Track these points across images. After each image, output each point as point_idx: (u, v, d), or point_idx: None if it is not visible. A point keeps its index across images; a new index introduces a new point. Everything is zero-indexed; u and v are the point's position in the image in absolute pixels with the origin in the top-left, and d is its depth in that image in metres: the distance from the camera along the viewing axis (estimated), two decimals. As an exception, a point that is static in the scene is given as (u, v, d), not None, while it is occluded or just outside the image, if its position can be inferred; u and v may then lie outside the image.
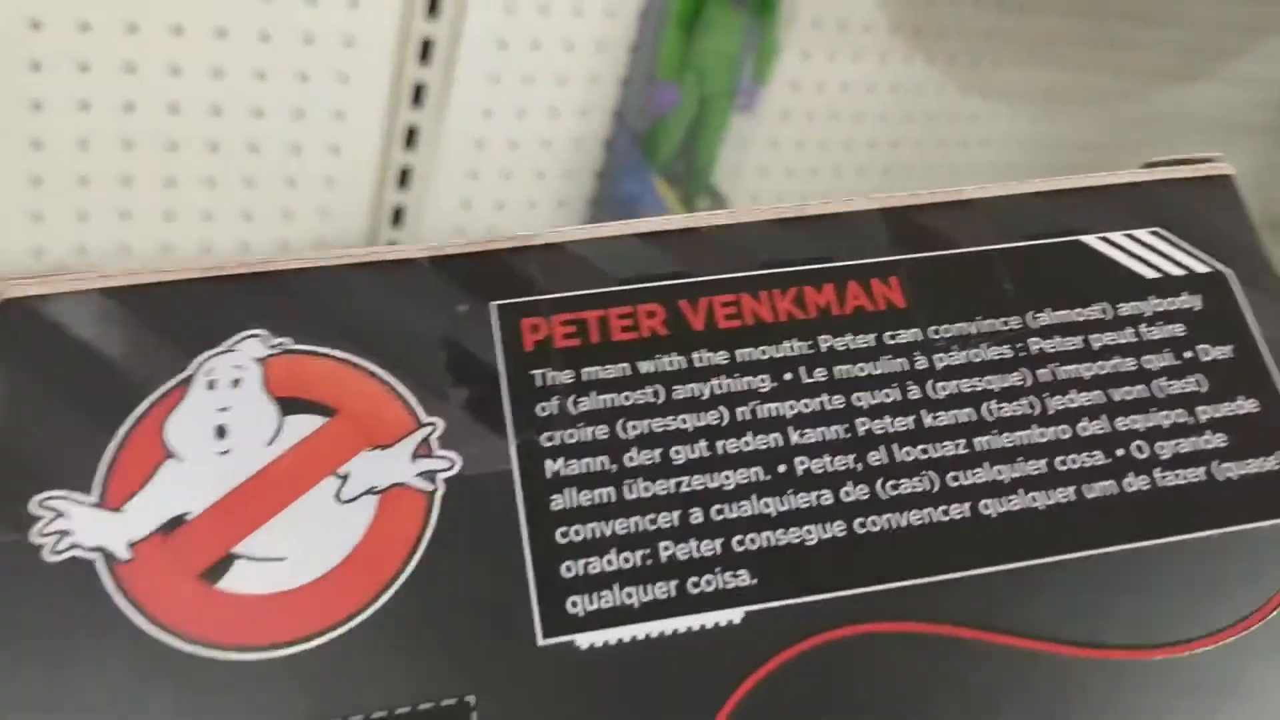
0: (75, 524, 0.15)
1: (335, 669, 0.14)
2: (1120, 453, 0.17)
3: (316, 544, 0.15)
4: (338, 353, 0.16)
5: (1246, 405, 0.17)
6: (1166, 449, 0.17)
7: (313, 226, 0.54)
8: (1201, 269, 0.18)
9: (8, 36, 0.44)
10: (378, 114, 0.51)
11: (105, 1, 0.45)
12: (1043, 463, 0.16)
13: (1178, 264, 0.19)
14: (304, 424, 0.16)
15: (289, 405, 0.16)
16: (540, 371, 0.16)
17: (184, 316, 0.16)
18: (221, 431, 0.15)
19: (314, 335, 0.16)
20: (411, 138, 0.51)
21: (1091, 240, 0.19)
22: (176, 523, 0.15)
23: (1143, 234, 0.19)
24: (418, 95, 0.50)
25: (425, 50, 0.49)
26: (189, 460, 0.15)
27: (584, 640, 0.14)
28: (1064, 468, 0.16)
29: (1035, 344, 0.17)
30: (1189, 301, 0.18)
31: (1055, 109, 0.85)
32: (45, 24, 0.44)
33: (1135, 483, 0.16)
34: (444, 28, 0.49)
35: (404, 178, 0.52)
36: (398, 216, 0.54)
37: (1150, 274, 0.18)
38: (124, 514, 0.15)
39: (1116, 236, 0.19)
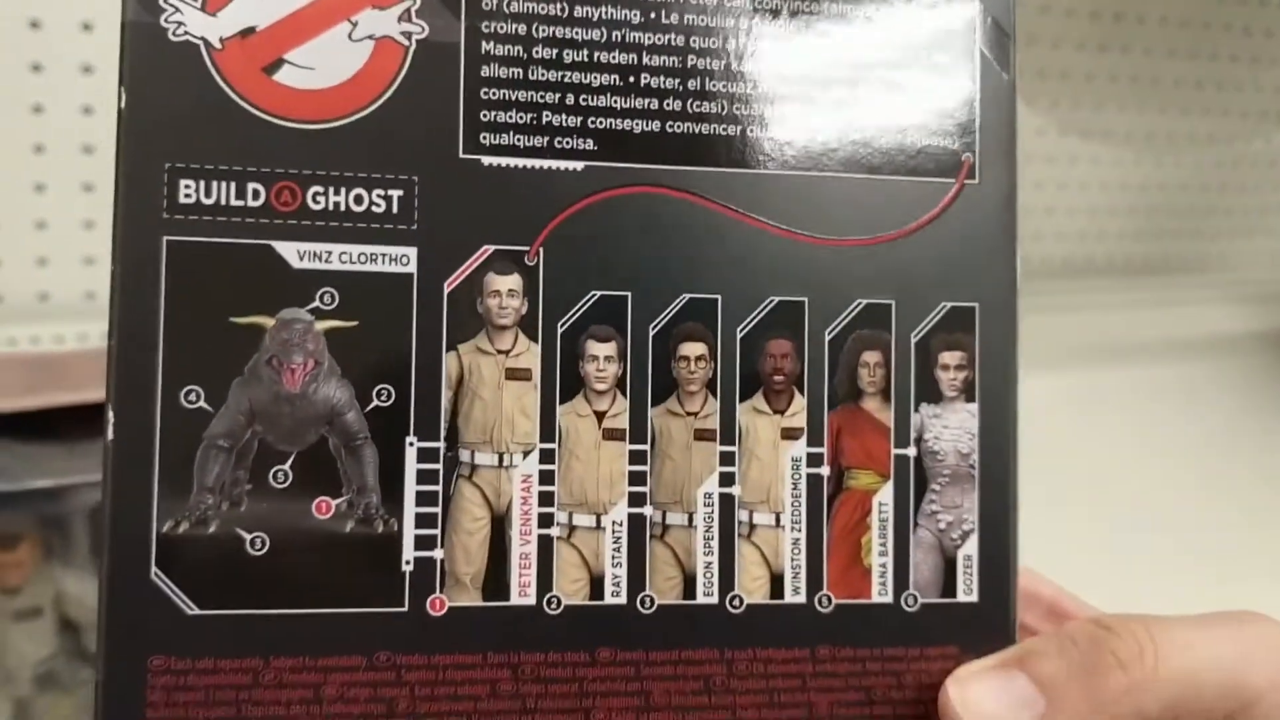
0: (187, 18, 0.24)
1: (347, 143, 0.24)
2: (846, 135, 0.26)
3: (333, 64, 0.24)
4: (359, -68, 0.24)
5: (947, 101, 0.27)
6: (883, 118, 0.26)
7: None
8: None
9: None
10: None
11: None
12: (798, 109, 0.26)
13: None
14: (333, -20, 0.24)
15: (324, -36, 0.24)
16: (491, -23, 0.25)
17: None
18: (279, -26, 0.24)
19: (344, -85, 0.24)
20: None
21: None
22: (249, 31, 0.24)
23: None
24: None
25: None
26: (258, -10, 0.24)
27: (487, 160, 0.25)
28: (811, 116, 0.26)
29: (824, 25, 0.26)
30: (940, 18, 0.27)
31: (1158, 151, 0.78)
32: None
33: (854, 134, 0.26)
34: None
35: None
36: None
37: (920, -9, 0.27)
38: (217, 18, 0.24)
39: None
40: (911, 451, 0.26)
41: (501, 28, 0.25)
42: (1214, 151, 0.85)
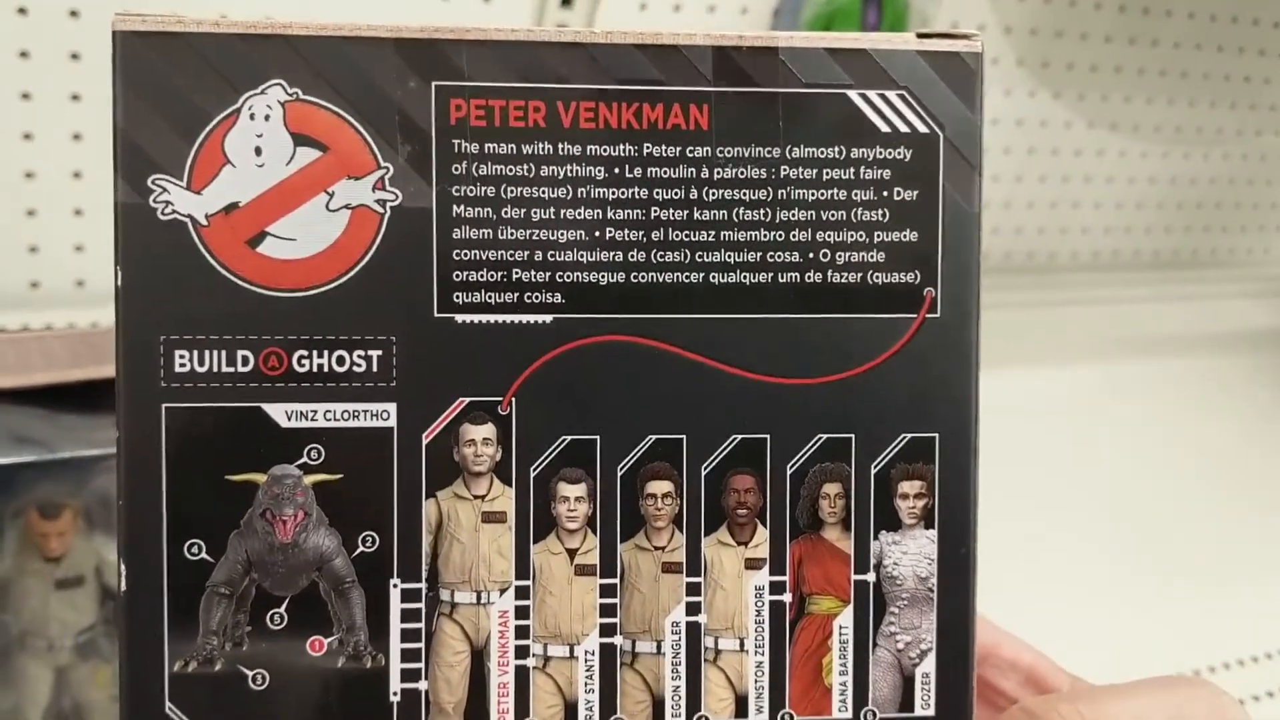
0: (174, 198, 0.25)
1: (328, 308, 0.26)
2: (811, 255, 0.27)
3: (313, 234, 0.25)
4: (332, 106, 0.25)
5: (909, 236, 0.27)
6: (843, 257, 0.27)
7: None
8: (922, 129, 0.27)
9: None
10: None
11: None
12: (759, 254, 0.27)
13: (907, 122, 0.27)
14: (308, 154, 0.25)
15: (299, 139, 0.25)
16: (458, 141, 0.26)
17: (234, 62, 0.25)
18: (259, 151, 0.25)
19: (317, 90, 0.25)
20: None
21: (854, 94, 0.27)
22: (233, 207, 0.25)
23: (892, 94, 0.27)
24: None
25: None
26: (239, 167, 0.25)
27: (460, 318, 0.26)
28: (771, 259, 0.27)
29: (784, 170, 0.27)
30: (902, 154, 0.27)
31: (1186, 144, 0.76)
32: None
33: (814, 276, 0.27)
34: None
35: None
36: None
37: (884, 128, 0.27)
38: (202, 196, 0.25)
39: (872, 94, 0.27)
40: (871, 577, 0.27)
41: (471, 191, 0.26)
42: (1241, 145, 0.84)
